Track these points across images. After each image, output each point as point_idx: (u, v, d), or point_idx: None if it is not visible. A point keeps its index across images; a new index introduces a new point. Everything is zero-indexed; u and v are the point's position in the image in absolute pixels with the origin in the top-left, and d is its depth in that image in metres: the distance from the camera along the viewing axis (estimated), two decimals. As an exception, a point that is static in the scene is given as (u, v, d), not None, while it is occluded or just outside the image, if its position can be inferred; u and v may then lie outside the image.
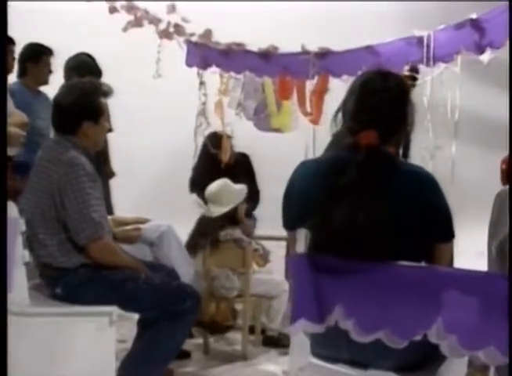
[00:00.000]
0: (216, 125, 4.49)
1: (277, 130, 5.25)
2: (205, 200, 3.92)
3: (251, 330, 3.65)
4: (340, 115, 1.94)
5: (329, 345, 1.87)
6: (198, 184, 4.52)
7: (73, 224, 2.40)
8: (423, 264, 1.84)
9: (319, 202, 1.83)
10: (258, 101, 5.08)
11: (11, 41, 3.91)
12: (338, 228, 1.79)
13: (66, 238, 2.44)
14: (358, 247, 1.77)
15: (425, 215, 1.81)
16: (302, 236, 1.91)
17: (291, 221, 1.97)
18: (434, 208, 1.82)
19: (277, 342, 3.70)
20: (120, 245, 2.68)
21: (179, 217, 4.37)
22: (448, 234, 1.86)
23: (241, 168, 4.44)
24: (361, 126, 1.84)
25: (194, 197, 5.97)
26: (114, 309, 2.48)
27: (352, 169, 1.79)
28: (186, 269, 3.26)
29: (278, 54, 4.09)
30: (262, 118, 5.19)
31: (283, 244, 5.40)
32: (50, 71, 4.10)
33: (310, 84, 4.17)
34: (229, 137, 4.51)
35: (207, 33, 4.44)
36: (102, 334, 2.49)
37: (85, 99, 2.55)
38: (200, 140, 4.58)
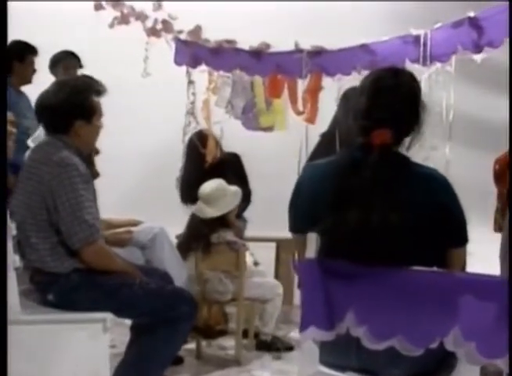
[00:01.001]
0: (205, 125, 4.41)
1: (266, 129, 5.19)
2: (193, 199, 3.85)
3: (244, 334, 3.58)
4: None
5: (338, 353, 1.80)
6: (185, 184, 4.45)
7: (66, 227, 2.30)
8: (436, 269, 1.77)
9: (330, 205, 1.76)
10: (247, 100, 5.02)
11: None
12: (351, 232, 1.72)
13: (59, 242, 2.34)
14: (371, 251, 1.71)
15: (440, 219, 1.75)
16: (311, 240, 1.83)
17: (300, 224, 1.90)
18: (449, 212, 1.76)
19: (270, 347, 3.65)
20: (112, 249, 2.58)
21: (166, 217, 4.28)
22: (462, 238, 1.81)
23: (231, 169, 4.37)
24: (373, 125, 1.77)
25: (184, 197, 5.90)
26: (108, 316, 2.40)
27: (365, 170, 1.72)
28: (179, 272, 3.18)
29: (270, 52, 4.02)
30: (250, 117, 5.12)
31: (273, 245, 5.39)
32: (34, 70, 4.01)
33: (302, 83, 4.09)
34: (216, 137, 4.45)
35: (197, 30, 4.35)
36: (95, 342, 2.40)
37: (78, 97, 2.45)
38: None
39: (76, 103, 2.44)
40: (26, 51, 3.95)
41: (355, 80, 4.32)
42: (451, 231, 1.79)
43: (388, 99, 1.79)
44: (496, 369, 1.69)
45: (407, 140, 1.84)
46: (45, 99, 2.47)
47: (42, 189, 2.32)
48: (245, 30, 4.60)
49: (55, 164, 2.33)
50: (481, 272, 1.70)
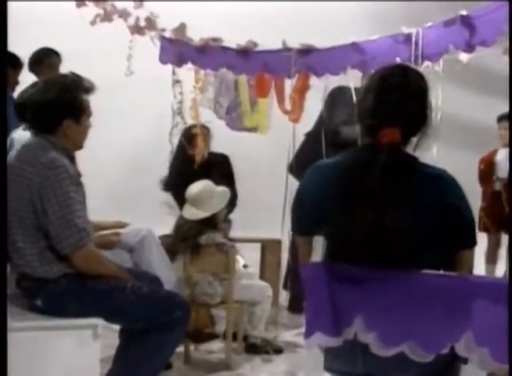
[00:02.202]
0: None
1: (250, 130, 5.14)
2: (180, 200, 3.78)
3: (233, 336, 3.51)
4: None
5: (344, 359, 1.75)
6: (172, 184, 4.39)
7: (56, 231, 2.21)
8: (443, 272, 1.73)
9: (338, 207, 1.71)
10: (230, 99, 4.96)
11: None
12: (361, 234, 1.66)
13: (47, 246, 2.25)
14: (382, 254, 1.66)
15: (450, 220, 1.71)
16: (316, 243, 1.78)
17: (305, 226, 1.83)
18: (460, 213, 1.72)
19: (260, 349, 3.59)
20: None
21: (148, 218, 4.20)
22: (471, 240, 1.77)
23: (219, 169, 4.31)
24: (381, 124, 1.72)
25: (165, 198, 5.84)
26: (99, 322, 2.31)
27: (375, 171, 1.67)
28: (168, 275, 3.11)
29: (257, 51, 3.95)
30: (234, 117, 5.07)
31: (257, 246, 5.34)
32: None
33: (290, 82, 4.04)
34: (206, 134, 4.39)
35: (181, 28, 4.28)
36: (85, 349, 2.32)
37: (66, 95, 2.36)
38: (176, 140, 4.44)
39: (65, 102, 2.35)
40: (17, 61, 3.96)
41: (341, 79, 4.31)
42: (460, 233, 1.75)
43: (396, 98, 1.73)
44: (505, 373, 1.66)
45: (414, 140, 1.79)
46: (31, 98, 2.37)
47: (30, 192, 2.22)
48: (231, 29, 4.53)
49: (43, 165, 2.24)
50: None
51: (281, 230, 4.69)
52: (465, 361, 1.68)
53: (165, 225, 3.80)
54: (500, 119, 4.76)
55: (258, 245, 5.26)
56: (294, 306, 4.70)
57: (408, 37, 3.34)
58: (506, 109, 4.80)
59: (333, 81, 4.35)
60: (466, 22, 3.07)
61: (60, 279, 2.28)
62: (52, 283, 2.27)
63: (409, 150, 1.77)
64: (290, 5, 5.54)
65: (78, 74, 2.55)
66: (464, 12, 3.10)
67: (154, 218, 4.30)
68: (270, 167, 5.56)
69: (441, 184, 1.73)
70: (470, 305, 1.56)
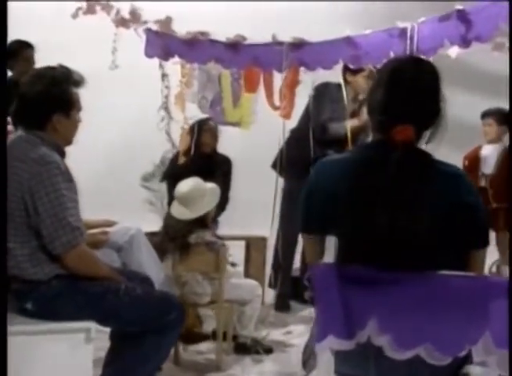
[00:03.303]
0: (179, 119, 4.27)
1: (233, 124, 5.06)
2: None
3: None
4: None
5: (356, 363, 1.69)
6: (173, 175, 4.37)
7: (48, 230, 2.12)
8: (459, 273, 1.68)
9: (351, 205, 1.64)
10: (214, 93, 4.88)
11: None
12: (376, 234, 1.60)
13: (39, 246, 2.15)
14: (396, 255, 1.60)
15: (465, 219, 1.66)
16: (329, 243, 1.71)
17: (315, 225, 1.76)
18: (474, 212, 1.68)
19: (250, 349, 3.52)
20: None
21: (131, 216, 4.11)
22: (485, 240, 1.72)
23: (221, 170, 4.26)
24: (394, 120, 1.66)
25: (146, 195, 5.74)
26: (92, 325, 2.22)
27: (389, 169, 1.60)
28: (157, 274, 3.02)
29: (247, 44, 3.86)
30: (218, 112, 4.99)
31: (242, 243, 5.27)
32: None
33: (280, 77, 3.96)
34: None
35: (167, 21, 4.18)
36: (77, 354, 2.23)
37: (56, 88, 2.26)
38: (162, 135, 4.35)
39: (54, 96, 2.25)
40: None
41: (331, 74, 4.25)
42: (474, 232, 1.70)
43: (410, 92, 1.67)
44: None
45: (426, 134, 1.73)
46: (20, 92, 2.27)
47: (21, 189, 2.12)
48: (217, 23, 4.44)
49: (33, 162, 2.14)
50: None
51: (270, 227, 4.63)
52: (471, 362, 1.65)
53: (147, 223, 3.72)
54: (484, 115, 4.76)
55: (243, 243, 5.19)
56: (281, 305, 4.65)
57: (402, 31, 3.29)
58: (489, 105, 4.81)
59: (321, 77, 4.29)
60: (462, 17, 3.03)
61: (52, 280, 2.18)
62: (43, 285, 2.17)
63: (421, 143, 1.71)
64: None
65: (67, 67, 2.45)
66: (460, 7, 3.06)
67: (135, 216, 4.21)
68: (254, 164, 5.49)
69: (457, 182, 1.68)
70: (487, 306, 1.52)
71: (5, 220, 1.74)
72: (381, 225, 1.60)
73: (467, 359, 1.66)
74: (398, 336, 1.55)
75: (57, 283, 2.18)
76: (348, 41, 3.54)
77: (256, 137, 5.34)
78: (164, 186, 5.14)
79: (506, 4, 2.78)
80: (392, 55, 3.24)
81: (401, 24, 3.30)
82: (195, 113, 4.69)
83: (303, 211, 1.78)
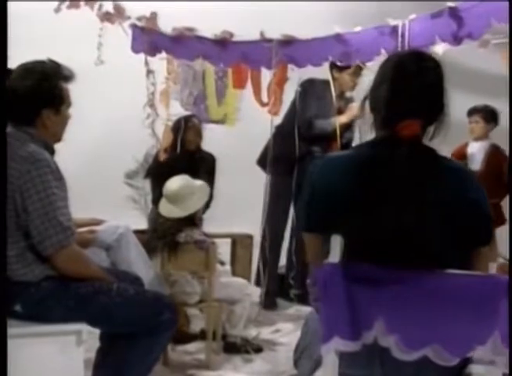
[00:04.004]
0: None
1: (217, 122, 5.02)
2: (158, 191, 3.66)
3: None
4: (367, 103, 1.71)
5: (361, 364, 1.66)
6: (156, 172, 4.32)
7: (38, 230, 2.05)
8: (467, 271, 1.66)
9: (357, 203, 1.61)
10: (198, 91, 4.83)
11: None
12: (383, 232, 1.57)
13: (28, 247, 2.09)
14: (403, 253, 1.57)
15: (471, 216, 1.63)
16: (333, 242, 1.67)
17: (318, 223, 1.71)
18: (481, 209, 1.66)
19: (239, 349, 3.49)
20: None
21: (114, 213, 4.04)
22: (490, 237, 1.70)
23: (205, 168, 4.22)
24: (399, 116, 1.63)
25: (129, 192, 5.66)
26: (84, 327, 2.17)
27: (395, 166, 1.57)
28: (146, 274, 2.97)
29: (236, 41, 3.81)
30: (202, 109, 4.94)
31: (228, 241, 5.23)
32: None
33: (268, 74, 3.92)
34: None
35: (153, 17, 4.11)
36: (68, 356, 2.17)
37: (45, 83, 2.19)
38: (147, 132, 4.27)
39: (44, 91, 2.18)
40: None
41: (316, 71, 4.22)
42: (480, 229, 1.68)
43: (414, 87, 1.64)
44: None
45: (430, 130, 1.70)
46: (7, 86, 2.19)
47: (10, 188, 2.05)
48: (202, 20, 4.38)
49: (23, 159, 2.07)
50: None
51: (261, 225, 4.60)
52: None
53: (130, 220, 3.65)
54: (470, 113, 4.77)
55: (229, 241, 5.15)
56: (268, 303, 4.62)
57: (394, 29, 3.26)
58: (475, 102, 4.82)
59: (307, 73, 4.26)
60: (454, 14, 3.02)
61: (42, 282, 2.12)
62: (32, 286, 2.11)
63: (425, 139, 1.69)
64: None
65: (56, 61, 2.38)
66: (452, 4, 3.05)
67: (118, 213, 4.14)
68: (238, 160, 5.44)
69: (463, 178, 1.66)
70: (496, 305, 1.49)
71: (5, 220, 1.68)
72: (389, 223, 1.57)
73: (470, 358, 1.65)
74: (406, 336, 1.52)
75: (47, 285, 2.12)
76: (338, 38, 3.51)
77: (240, 134, 5.29)
78: (147, 184, 5.08)
79: (499, 2, 2.77)
80: (383, 52, 3.23)
81: (392, 21, 3.27)
82: (179, 111, 4.63)
83: (305, 209, 1.73)
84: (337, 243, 1.63)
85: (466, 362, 1.65)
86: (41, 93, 2.18)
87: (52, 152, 2.24)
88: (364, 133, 4.37)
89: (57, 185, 2.09)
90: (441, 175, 1.64)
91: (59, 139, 2.33)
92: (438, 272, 1.56)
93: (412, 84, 1.65)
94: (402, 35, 3.19)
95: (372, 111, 1.71)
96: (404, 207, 1.58)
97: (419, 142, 1.65)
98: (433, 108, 1.69)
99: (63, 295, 2.13)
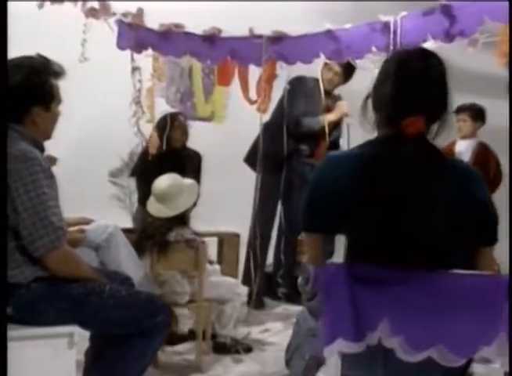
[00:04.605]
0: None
1: (205, 119, 4.97)
2: (143, 189, 3.60)
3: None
4: (369, 101, 1.68)
5: (363, 366, 1.63)
6: (141, 171, 4.26)
7: (28, 231, 1.99)
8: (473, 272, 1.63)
9: (362, 203, 1.58)
10: (184, 88, 4.77)
11: None
12: (389, 232, 1.54)
13: (18, 247, 2.02)
14: (410, 253, 1.55)
15: (476, 216, 1.61)
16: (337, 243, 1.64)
17: (321, 223, 1.67)
18: (485, 208, 1.64)
19: (229, 349, 3.45)
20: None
21: (100, 212, 3.98)
22: (495, 237, 1.68)
23: (191, 166, 4.17)
24: (404, 113, 1.60)
25: (114, 190, 5.58)
26: (75, 329, 2.11)
27: (400, 165, 1.55)
28: (136, 274, 2.92)
29: (225, 37, 3.76)
30: (189, 106, 4.89)
31: (214, 240, 5.18)
32: None
33: (257, 71, 3.88)
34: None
35: (139, 13, 4.04)
36: (59, 359, 2.11)
37: (35, 79, 2.13)
38: (132, 130, 4.21)
39: (34, 87, 2.12)
40: None
41: (305, 68, 4.19)
42: (485, 229, 1.66)
43: (418, 85, 1.62)
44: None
45: (433, 129, 1.68)
46: None
47: (-1, 187, 1.99)
48: (189, 16, 4.32)
49: (13, 158, 2.01)
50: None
51: (250, 224, 4.56)
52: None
53: (115, 219, 3.60)
54: (458, 111, 4.77)
55: (215, 239, 5.10)
56: (256, 302, 4.58)
57: (385, 25, 3.24)
58: (463, 101, 4.83)
59: (296, 70, 4.23)
60: (447, 11, 3.00)
61: (32, 283, 2.06)
62: (23, 288, 2.05)
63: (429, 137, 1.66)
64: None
65: (45, 56, 2.32)
66: (444, 1, 3.03)
67: (103, 212, 4.07)
68: (225, 158, 5.40)
69: (468, 177, 1.64)
70: (502, 306, 1.47)
71: (6, 220, 1.62)
72: (394, 223, 1.54)
73: (472, 359, 1.63)
74: (410, 337, 1.50)
75: (38, 286, 2.06)
76: (329, 34, 3.48)
77: (227, 131, 5.25)
78: (132, 182, 5.01)
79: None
80: (374, 49, 3.21)
81: (383, 18, 3.25)
82: (165, 108, 4.57)
83: (307, 208, 1.69)
84: (341, 243, 1.59)
85: (469, 362, 1.63)
86: (30, 89, 2.12)
87: (42, 150, 2.18)
88: (351, 131, 4.38)
89: (48, 184, 2.04)
90: (448, 174, 1.62)
91: (48, 137, 2.27)
92: (442, 272, 1.54)
93: (418, 81, 1.63)
94: (394, 32, 3.16)
95: (375, 109, 1.69)
96: (410, 206, 1.55)
97: (424, 139, 1.63)
98: (437, 106, 1.67)
99: (54, 297, 2.08)
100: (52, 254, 2.02)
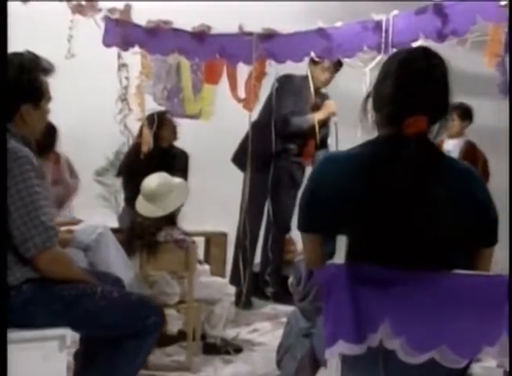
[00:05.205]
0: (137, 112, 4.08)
1: (193, 117, 4.92)
2: (130, 188, 3.55)
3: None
4: (370, 101, 1.66)
5: (363, 368, 1.61)
6: (127, 170, 4.21)
7: (19, 231, 1.94)
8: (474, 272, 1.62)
9: (362, 203, 1.55)
10: (172, 85, 4.72)
11: None
12: (391, 232, 1.52)
13: (9, 248, 1.97)
14: (411, 253, 1.53)
15: (477, 217, 1.60)
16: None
17: (319, 223, 1.64)
18: (486, 209, 1.63)
19: (219, 349, 3.42)
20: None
21: (86, 212, 3.93)
22: (495, 238, 1.67)
23: (177, 165, 4.13)
24: (405, 112, 1.58)
25: (99, 190, 5.52)
26: (67, 332, 2.07)
27: (402, 164, 1.53)
28: (126, 275, 2.87)
29: (214, 35, 3.71)
30: (176, 104, 4.83)
31: (201, 239, 5.14)
32: None
33: (246, 69, 3.84)
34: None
35: (126, 10, 3.99)
36: (50, 363, 2.06)
37: (25, 76, 2.08)
38: (118, 128, 4.15)
39: (23, 85, 2.07)
40: None
41: (293, 66, 4.17)
42: (485, 230, 1.65)
43: (420, 84, 1.61)
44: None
45: (435, 128, 1.66)
46: None
47: (-12, 187, 1.94)
48: (180, 14, 4.27)
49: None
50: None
51: (238, 223, 4.52)
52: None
53: (100, 218, 3.55)
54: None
55: (202, 239, 5.06)
56: (243, 302, 4.55)
57: (377, 24, 3.23)
58: (453, 100, 4.84)
59: (284, 68, 4.21)
60: (439, 10, 2.99)
61: (23, 285, 2.01)
62: (13, 290, 1.99)
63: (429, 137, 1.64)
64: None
65: (34, 53, 2.27)
66: (436, 0, 3.03)
67: (88, 211, 4.02)
68: (212, 157, 5.36)
69: (470, 178, 1.63)
70: (504, 306, 1.46)
71: (5, 219, 1.57)
72: (395, 223, 1.53)
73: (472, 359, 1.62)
74: (412, 339, 1.48)
75: (28, 288, 2.01)
76: (321, 32, 3.45)
77: (215, 130, 5.21)
78: (117, 181, 4.96)
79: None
80: (366, 48, 3.19)
81: (376, 17, 3.23)
82: (153, 106, 4.52)
83: (306, 208, 1.66)
84: (342, 244, 1.57)
85: (469, 363, 1.61)
86: (19, 87, 2.07)
87: (31, 148, 2.13)
88: (339, 129, 4.37)
89: (39, 183, 1.99)
90: (449, 175, 1.61)
91: (38, 135, 2.22)
92: (445, 272, 1.52)
93: (421, 81, 1.62)
94: (386, 31, 3.15)
95: (375, 109, 1.66)
96: (411, 206, 1.54)
97: (425, 139, 1.61)
98: (439, 106, 1.65)
99: (45, 299, 2.03)
100: (44, 254, 1.98)
